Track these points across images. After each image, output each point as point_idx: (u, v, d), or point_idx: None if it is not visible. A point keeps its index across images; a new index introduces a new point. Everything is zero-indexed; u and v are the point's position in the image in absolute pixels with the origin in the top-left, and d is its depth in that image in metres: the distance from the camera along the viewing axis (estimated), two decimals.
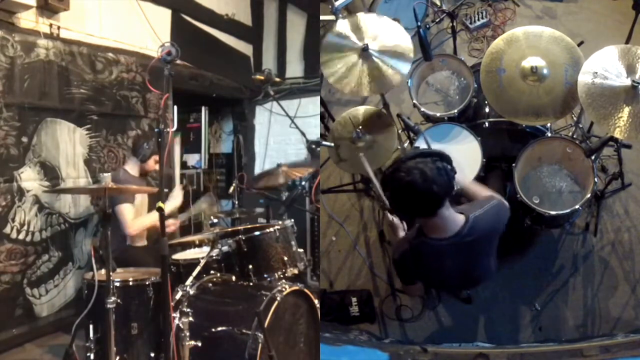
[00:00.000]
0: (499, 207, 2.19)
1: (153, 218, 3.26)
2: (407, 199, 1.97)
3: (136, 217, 3.26)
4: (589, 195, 2.60)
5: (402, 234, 2.42)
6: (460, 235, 2.04)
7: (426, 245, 2.08)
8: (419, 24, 2.61)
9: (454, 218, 2.05)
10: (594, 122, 2.78)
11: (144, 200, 3.41)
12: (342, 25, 2.75)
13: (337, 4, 3.04)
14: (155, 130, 2.28)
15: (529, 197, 2.68)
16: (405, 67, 2.62)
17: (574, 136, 3.02)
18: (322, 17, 3.87)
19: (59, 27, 3.63)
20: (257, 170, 5.99)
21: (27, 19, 3.42)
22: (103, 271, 2.39)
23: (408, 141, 3.16)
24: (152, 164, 3.40)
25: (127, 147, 4.07)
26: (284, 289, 2.56)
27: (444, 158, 2.01)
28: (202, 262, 2.71)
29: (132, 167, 3.42)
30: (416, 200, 1.95)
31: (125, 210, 3.14)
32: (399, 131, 3.15)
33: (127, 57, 4.14)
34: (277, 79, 3.84)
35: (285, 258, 2.91)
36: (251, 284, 2.82)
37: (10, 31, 3.29)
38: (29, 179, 3.44)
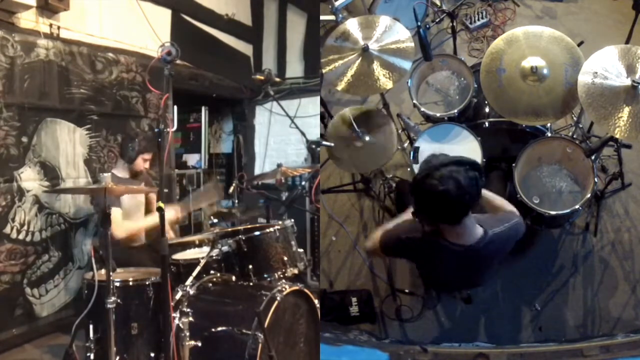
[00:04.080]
0: (518, 226, 2.17)
1: (142, 224, 3.29)
2: (437, 206, 1.94)
3: (128, 219, 3.25)
4: (589, 195, 2.60)
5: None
6: (475, 248, 2.04)
7: (439, 245, 2.08)
8: (419, 24, 2.60)
9: (474, 229, 2.05)
10: (594, 122, 2.77)
11: (138, 201, 3.40)
12: (343, 28, 2.76)
13: (337, 4, 3.04)
14: (155, 130, 2.28)
15: (529, 197, 2.68)
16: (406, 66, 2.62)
17: (574, 136, 3.02)
18: (322, 17, 3.87)
19: (59, 27, 3.62)
20: (257, 170, 5.99)
21: (27, 19, 3.42)
22: (103, 271, 2.39)
23: (408, 141, 3.16)
24: (141, 163, 3.35)
25: None
26: (284, 289, 2.55)
27: (476, 167, 1.98)
28: (202, 262, 2.71)
29: (120, 170, 3.37)
30: (446, 209, 1.94)
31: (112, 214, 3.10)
32: (399, 131, 3.15)
33: (127, 57, 4.14)
34: (277, 79, 3.83)
35: (285, 258, 2.91)
36: (251, 284, 2.81)
37: (10, 31, 3.29)
38: (29, 179, 3.44)
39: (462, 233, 2.04)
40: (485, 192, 2.31)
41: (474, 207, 1.99)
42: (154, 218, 3.23)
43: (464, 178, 1.89)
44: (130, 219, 3.32)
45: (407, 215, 2.29)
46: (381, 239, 2.25)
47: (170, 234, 3.36)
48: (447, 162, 1.94)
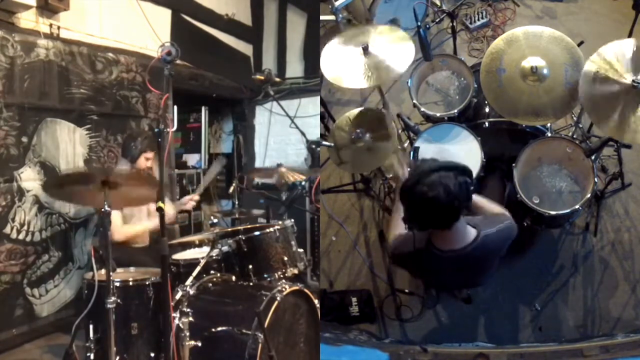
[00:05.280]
0: (510, 228, 2.16)
1: (140, 228, 3.29)
2: (427, 213, 1.94)
3: (129, 221, 3.25)
4: (589, 195, 2.60)
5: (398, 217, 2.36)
6: (466, 250, 2.04)
7: (431, 254, 2.08)
8: (419, 24, 2.60)
9: (466, 231, 2.04)
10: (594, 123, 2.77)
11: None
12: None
13: (337, 4, 3.04)
14: (155, 130, 2.27)
15: (529, 197, 2.68)
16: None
17: (574, 136, 3.02)
18: (322, 17, 3.87)
19: (59, 27, 3.63)
20: None
21: (27, 19, 3.42)
22: (103, 271, 2.39)
23: (408, 141, 3.16)
24: (143, 162, 3.33)
25: None
26: (284, 289, 2.56)
27: (466, 172, 1.98)
28: (202, 262, 2.71)
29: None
30: (436, 215, 1.94)
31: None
32: (399, 131, 3.15)
33: (127, 57, 4.14)
34: (277, 79, 3.83)
35: (285, 258, 2.91)
36: (251, 284, 2.82)
37: (10, 31, 3.29)
38: (29, 179, 3.44)
39: (453, 237, 2.04)
40: (475, 198, 2.26)
41: (464, 211, 1.98)
42: (154, 221, 3.24)
43: (453, 184, 1.88)
44: (131, 221, 3.32)
45: (399, 216, 2.27)
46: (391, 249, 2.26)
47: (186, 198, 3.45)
48: (436, 167, 1.93)
